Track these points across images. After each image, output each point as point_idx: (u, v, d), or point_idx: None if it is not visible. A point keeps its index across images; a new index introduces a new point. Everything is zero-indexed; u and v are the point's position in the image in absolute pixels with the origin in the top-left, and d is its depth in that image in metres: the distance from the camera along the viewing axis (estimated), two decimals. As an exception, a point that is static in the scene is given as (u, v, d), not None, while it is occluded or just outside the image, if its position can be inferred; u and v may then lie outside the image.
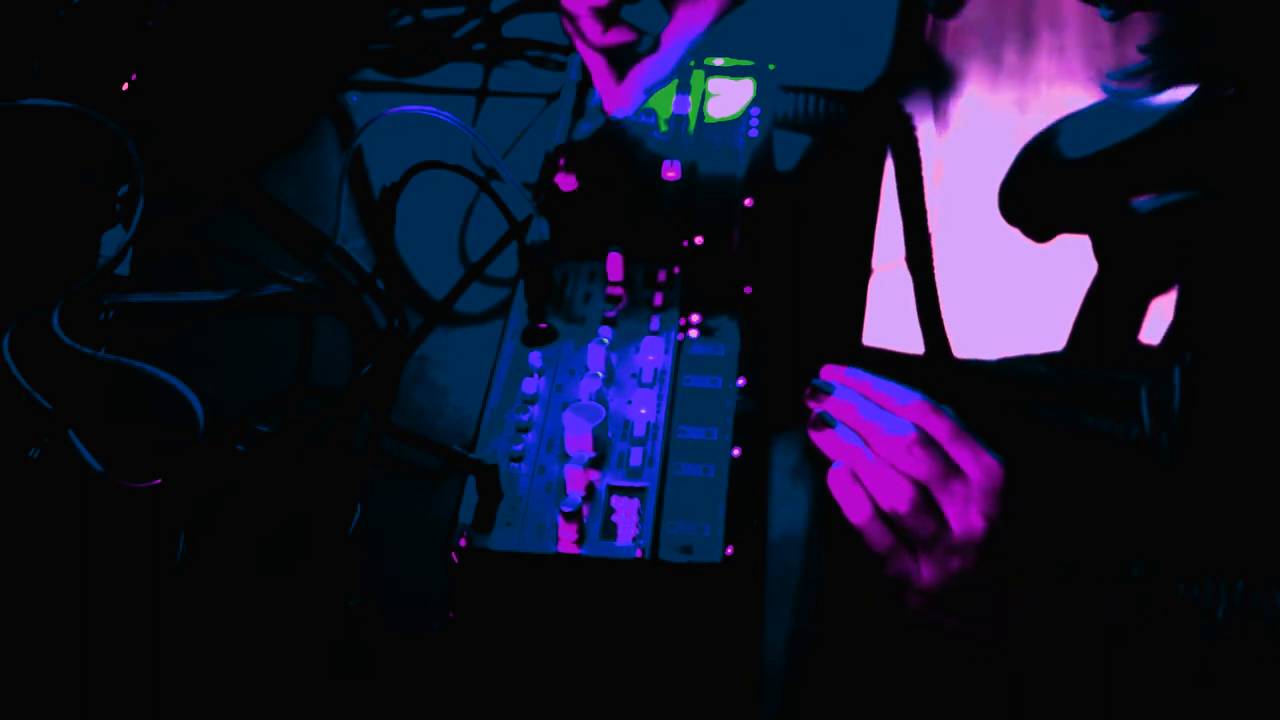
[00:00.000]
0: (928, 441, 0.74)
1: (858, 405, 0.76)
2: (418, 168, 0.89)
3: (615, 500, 0.73)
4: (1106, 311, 0.90)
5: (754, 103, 0.97)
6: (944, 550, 0.72)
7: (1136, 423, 0.83)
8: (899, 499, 0.73)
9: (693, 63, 1.00)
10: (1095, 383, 0.87)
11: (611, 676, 0.71)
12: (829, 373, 0.79)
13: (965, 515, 0.72)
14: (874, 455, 0.74)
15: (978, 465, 0.73)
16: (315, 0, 1.12)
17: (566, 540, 0.71)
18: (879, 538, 0.74)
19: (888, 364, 0.89)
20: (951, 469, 0.73)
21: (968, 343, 0.92)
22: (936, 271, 0.93)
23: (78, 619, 0.74)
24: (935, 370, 0.93)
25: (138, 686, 0.72)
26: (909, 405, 0.75)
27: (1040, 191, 0.89)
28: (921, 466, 0.73)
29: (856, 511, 0.74)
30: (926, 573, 0.72)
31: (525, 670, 0.72)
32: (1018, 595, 0.72)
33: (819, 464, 0.78)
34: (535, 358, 0.80)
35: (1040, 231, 0.89)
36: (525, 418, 0.77)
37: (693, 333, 0.81)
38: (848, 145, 0.98)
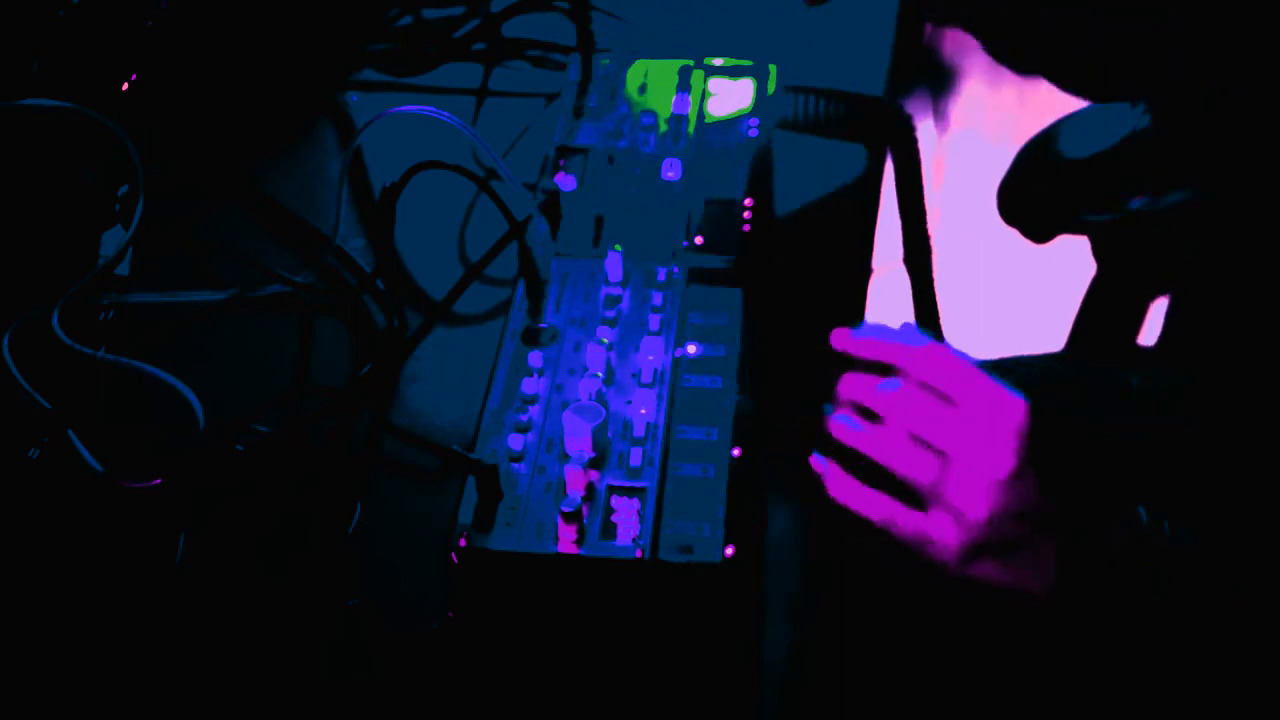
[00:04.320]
0: (922, 386, 0.72)
1: (854, 392, 0.75)
2: (418, 168, 0.89)
3: (615, 500, 0.73)
4: (1105, 312, 0.90)
5: (754, 103, 0.97)
6: (952, 494, 0.70)
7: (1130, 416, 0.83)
8: (889, 451, 0.71)
9: (692, 62, 1.00)
10: (1091, 378, 0.87)
11: (611, 676, 0.71)
12: (839, 337, 0.77)
13: (969, 453, 0.70)
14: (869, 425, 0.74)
15: (984, 399, 0.71)
16: (315, 0, 1.12)
17: (566, 540, 0.71)
18: (877, 508, 0.72)
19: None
20: (945, 406, 0.71)
21: (967, 343, 0.92)
22: (935, 272, 0.93)
23: (78, 619, 0.74)
24: None
25: (138, 686, 0.72)
26: (919, 348, 0.73)
27: (1039, 192, 0.89)
28: (911, 410, 0.71)
29: (840, 490, 0.73)
30: (939, 523, 0.70)
31: (525, 670, 0.72)
32: (1053, 538, 0.70)
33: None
34: (535, 358, 0.80)
35: (1039, 232, 0.89)
36: (525, 418, 0.77)
37: (691, 348, 0.81)
38: (848, 145, 0.98)
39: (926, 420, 0.72)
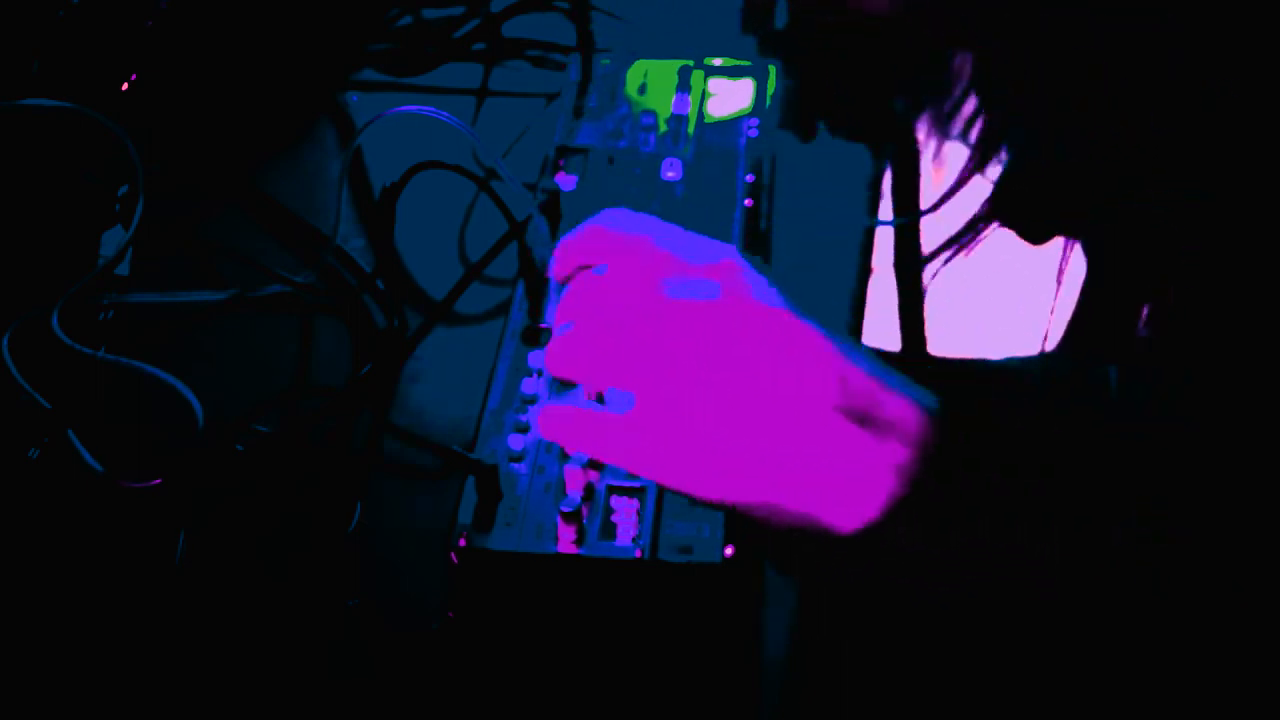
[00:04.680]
0: (594, 278, 0.60)
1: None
2: (418, 168, 0.89)
3: (615, 500, 0.73)
4: (1102, 312, 0.90)
5: (754, 103, 0.97)
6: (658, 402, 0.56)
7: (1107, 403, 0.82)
8: (571, 364, 0.59)
9: (692, 63, 1.00)
10: (1067, 373, 0.87)
11: (611, 676, 0.71)
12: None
13: (636, 330, 0.56)
14: None
15: (633, 261, 0.58)
16: (315, 0, 1.12)
17: (566, 540, 0.71)
18: (579, 434, 0.59)
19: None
20: (600, 287, 0.59)
21: (964, 343, 0.92)
22: (925, 276, 0.93)
23: (78, 619, 0.74)
24: (910, 365, 0.93)
25: (138, 686, 0.72)
26: (564, 243, 0.62)
27: (1035, 193, 0.89)
28: (581, 313, 0.59)
29: (547, 426, 0.60)
30: (649, 435, 0.56)
31: (525, 670, 0.72)
32: (871, 435, 0.56)
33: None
34: (535, 358, 0.80)
35: (1036, 233, 0.89)
36: (525, 418, 0.77)
37: None
38: (848, 145, 0.99)
39: (589, 313, 0.60)
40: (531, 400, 0.78)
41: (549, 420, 0.60)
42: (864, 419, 0.56)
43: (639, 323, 0.58)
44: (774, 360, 0.57)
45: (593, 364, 0.59)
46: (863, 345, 0.60)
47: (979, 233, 0.78)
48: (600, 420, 0.59)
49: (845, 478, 0.56)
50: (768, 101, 0.97)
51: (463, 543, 0.72)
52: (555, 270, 0.64)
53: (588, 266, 0.63)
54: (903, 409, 0.57)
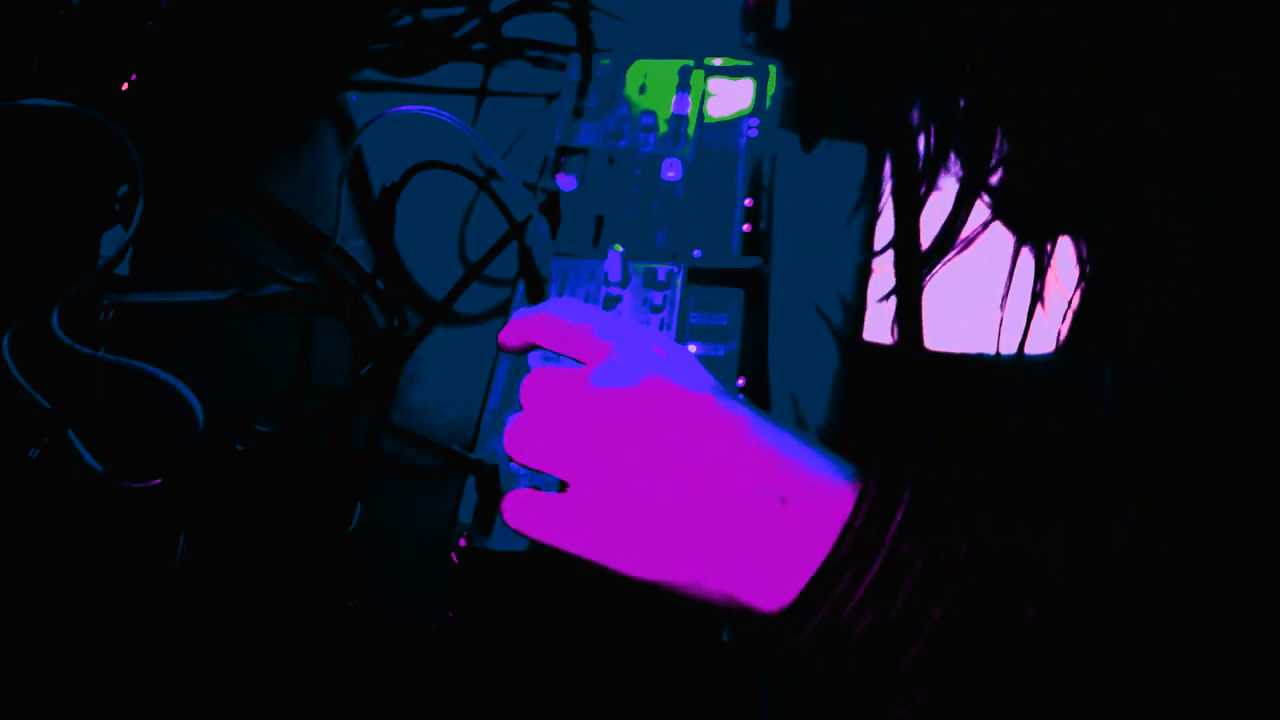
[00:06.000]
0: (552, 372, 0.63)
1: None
2: (417, 168, 0.89)
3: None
4: (1101, 313, 0.89)
5: (754, 103, 0.97)
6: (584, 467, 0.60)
7: (1100, 405, 0.82)
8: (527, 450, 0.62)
9: (692, 62, 1.00)
10: (1059, 374, 0.87)
11: (611, 677, 0.71)
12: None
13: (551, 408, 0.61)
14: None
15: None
16: (315, 0, 1.12)
17: (566, 540, 0.71)
18: (531, 519, 0.62)
19: (877, 357, 0.89)
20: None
21: (962, 343, 0.92)
22: (925, 275, 0.93)
23: (78, 619, 0.74)
24: (906, 360, 0.93)
25: (138, 686, 0.72)
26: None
27: (1035, 193, 0.89)
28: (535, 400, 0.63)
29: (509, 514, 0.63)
30: (587, 506, 0.59)
31: (525, 670, 0.72)
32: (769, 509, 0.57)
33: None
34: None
35: (1036, 233, 0.89)
36: (525, 418, 0.77)
37: (692, 347, 0.81)
38: (848, 145, 0.99)
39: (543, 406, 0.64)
40: (531, 400, 0.78)
41: (506, 505, 0.63)
42: (786, 498, 0.58)
43: (569, 413, 0.61)
44: (693, 442, 0.59)
45: (534, 452, 0.62)
46: (789, 426, 0.61)
47: (973, 236, 0.78)
48: (541, 503, 0.62)
49: (766, 555, 0.57)
50: (768, 101, 0.97)
51: (463, 543, 0.72)
52: (503, 340, 0.69)
53: (535, 346, 0.67)
54: (826, 487, 0.58)
